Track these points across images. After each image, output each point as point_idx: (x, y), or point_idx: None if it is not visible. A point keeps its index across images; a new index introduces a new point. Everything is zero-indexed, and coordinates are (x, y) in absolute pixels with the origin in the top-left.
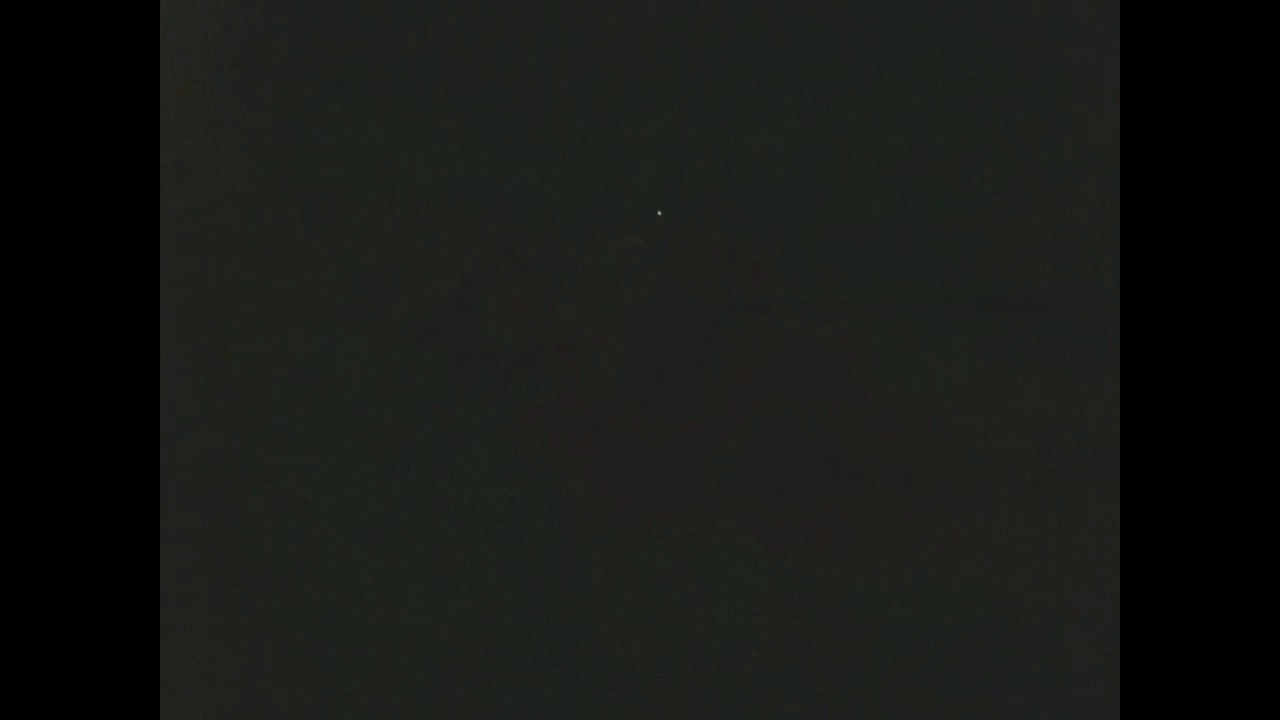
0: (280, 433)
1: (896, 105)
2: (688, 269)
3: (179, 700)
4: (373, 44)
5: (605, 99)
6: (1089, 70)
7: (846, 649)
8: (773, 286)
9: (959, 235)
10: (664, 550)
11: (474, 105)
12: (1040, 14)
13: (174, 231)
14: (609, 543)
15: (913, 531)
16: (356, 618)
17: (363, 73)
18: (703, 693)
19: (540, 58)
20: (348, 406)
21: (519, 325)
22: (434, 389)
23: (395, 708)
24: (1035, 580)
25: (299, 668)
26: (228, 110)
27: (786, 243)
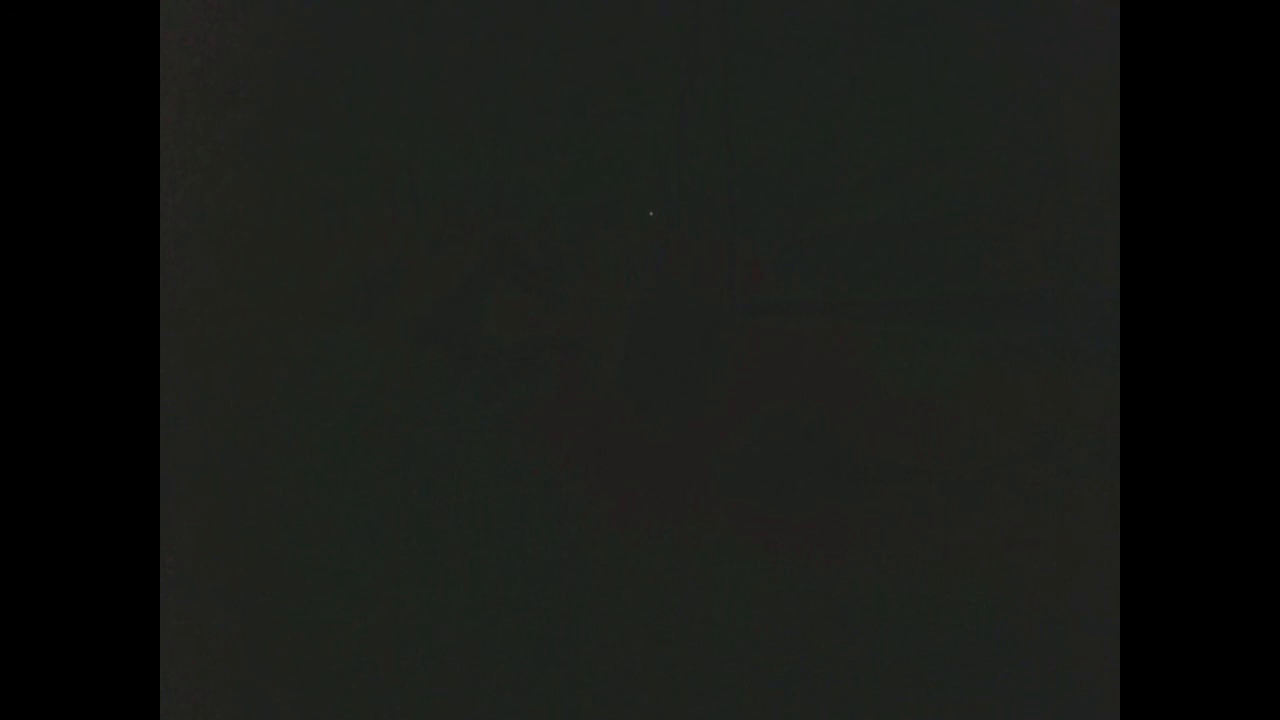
0: (280, 432)
1: (897, 105)
2: (688, 269)
3: (179, 700)
4: (373, 44)
5: (605, 99)
6: (1089, 70)
7: (846, 649)
8: (773, 286)
9: (959, 235)
10: (664, 550)
11: (474, 105)
12: (1040, 14)
13: (174, 231)
14: (609, 543)
15: (913, 531)
16: (357, 616)
17: (363, 73)
18: (703, 692)
19: (540, 58)
20: (348, 406)
21: (519, 325)
22: (434, 389)
23: (395, 707)
24: (1035, 580)
25: (299, 667)
26: (228, 110)
27: (786, 243)
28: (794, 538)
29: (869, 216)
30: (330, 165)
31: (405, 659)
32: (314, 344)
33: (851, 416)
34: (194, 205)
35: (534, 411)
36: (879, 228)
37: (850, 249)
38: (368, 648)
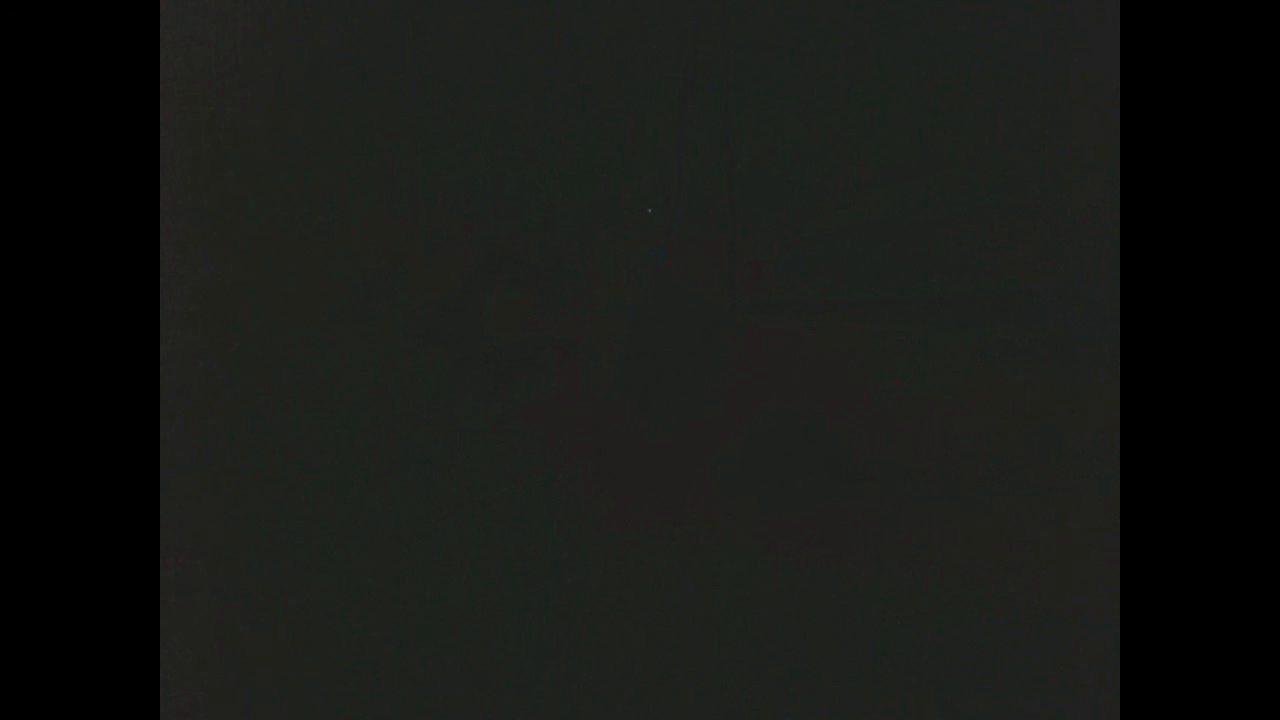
0: (280, 433)
1: (896, 105)
2: (688, 269)
3: (179, 700)
4: (373, 44)
5: (605, 99)
6: (1089, 70)
7: (846, 649)
8: (773, 286)
9: (959, 235)
10: (664, 550)
11: (474, 105)
12: (1040, 14)
13: (174, 231)
14: (609, 543)
15: (913, 531)
16: (357, 616)
17: (363, 73)
18: (703, 692)
19: (540, 58)
20: (348, 406)
21: (519, 325)
22: (434, 389)
23: (395, 707)
24: (1035, 580)
25: (299, 667)
26: (228, 110)
27: (786, 243)
28: (793, 537)
29: (869, 216)
30: (330, 165)
31: (406, 658)
32: (314, 344)
33: (851, 416)
34: (194, 205)
35: (534, 411)
36: (879, 228)
37: (850, 249)
38: (368, 647)
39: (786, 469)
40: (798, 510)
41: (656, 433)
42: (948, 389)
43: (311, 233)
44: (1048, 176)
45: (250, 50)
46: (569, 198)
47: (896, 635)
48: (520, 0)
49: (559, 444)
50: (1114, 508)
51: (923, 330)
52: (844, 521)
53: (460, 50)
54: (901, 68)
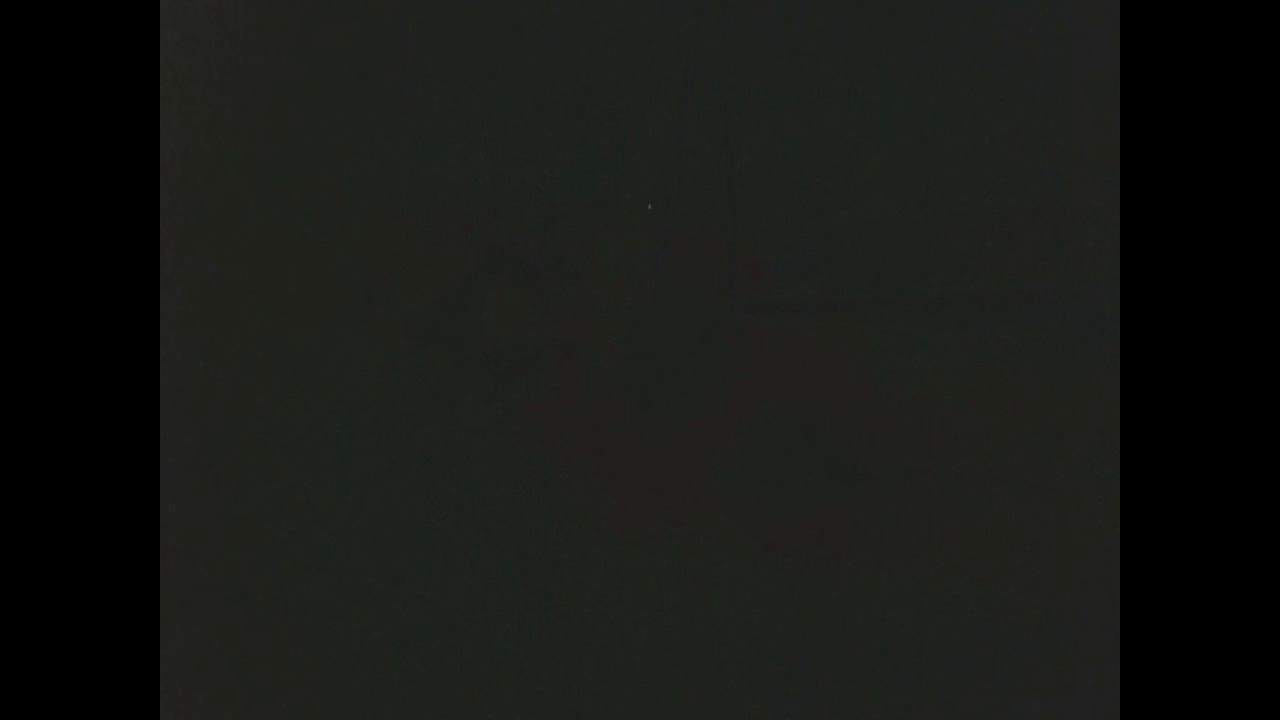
0: (281, 433)
1: (896, 106)
2: (688, 269)
3: (179, 700)
4: (373, 44)
5: (605, 99)
6: (1089, 70)
7: (846, 649)
8: (773, 286)
9: (959, 235)
10: (664, 550)
11: (474, 105)
12: (1040, 14)
13: (174, 231)
14: (609, 543)
15: (913, 531)
16: (357, 616)
17: (363, 73)
18: (703, 692)
19: (540, 58)
20: (348, 407)
21: (519, 325)
22: (434, 389)
23: (395, 707)
24: (1035, 580)
25: (299, 667)
26: (228, 110)
27: (786, 243)
28: (794, 538)
29: (869, 216)
30: (330, 165)
31: (405, 659)
32: (314, 344)
33: (851, 416)
34: (194, 205)
35: (534, 411)
36: (879, 228)
37: (850, 249)
38: (367, 648)
39: (786, 469)
40: (798, 510)
41: (656, 433)
42: (948, 389)
43: (311, 233)
44: (1048, 176)
45: (250, 50)
46: (569, 198)
47: (896, 635)
48: (520, 0)
49: (559, 444)
50: (1114, 508)
51: (923, 330)
52: (844, 521)
53: (460, 50)
54: (901, 68)
